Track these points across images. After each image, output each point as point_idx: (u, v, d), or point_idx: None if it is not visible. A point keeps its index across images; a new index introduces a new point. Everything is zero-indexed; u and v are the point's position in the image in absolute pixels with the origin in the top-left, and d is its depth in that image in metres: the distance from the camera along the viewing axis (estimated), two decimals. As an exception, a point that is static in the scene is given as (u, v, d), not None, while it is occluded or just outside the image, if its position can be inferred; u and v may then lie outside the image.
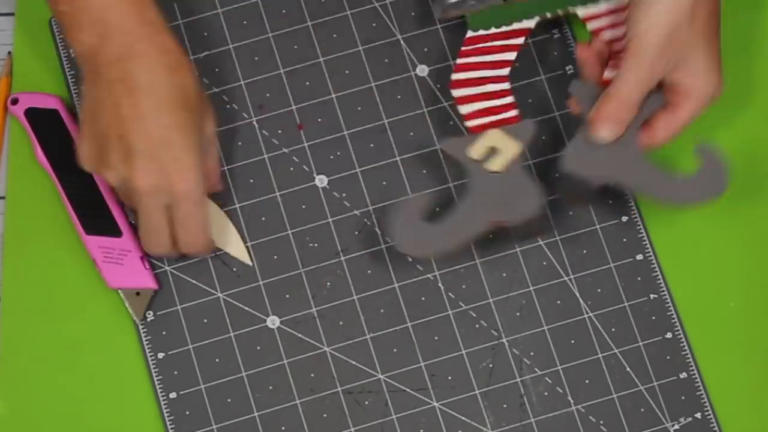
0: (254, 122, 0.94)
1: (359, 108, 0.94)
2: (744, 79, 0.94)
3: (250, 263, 0.91)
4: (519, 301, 0.91)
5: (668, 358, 0.90)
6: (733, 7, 0.94)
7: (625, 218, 0.93)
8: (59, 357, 0.90)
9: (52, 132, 0.92)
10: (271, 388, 0.90)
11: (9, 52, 0.95)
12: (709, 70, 0.85)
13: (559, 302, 0.91)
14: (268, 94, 0.94)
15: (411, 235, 0.87)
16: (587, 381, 0.90)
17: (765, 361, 0.91)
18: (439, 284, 0.92)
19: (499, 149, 0.88)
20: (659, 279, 0.91)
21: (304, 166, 0.94)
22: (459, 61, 0.91)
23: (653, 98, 0.86)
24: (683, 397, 0.90)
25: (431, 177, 0.93)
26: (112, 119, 0.83)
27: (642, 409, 0.90)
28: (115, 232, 0.91)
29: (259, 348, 0.91)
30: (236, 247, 0.92)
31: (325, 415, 0.90)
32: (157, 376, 0.90)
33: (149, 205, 0.85)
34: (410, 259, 0.92)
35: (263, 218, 0.92)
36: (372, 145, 0.94)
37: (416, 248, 0.88)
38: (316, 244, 0.92)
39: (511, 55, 0.91)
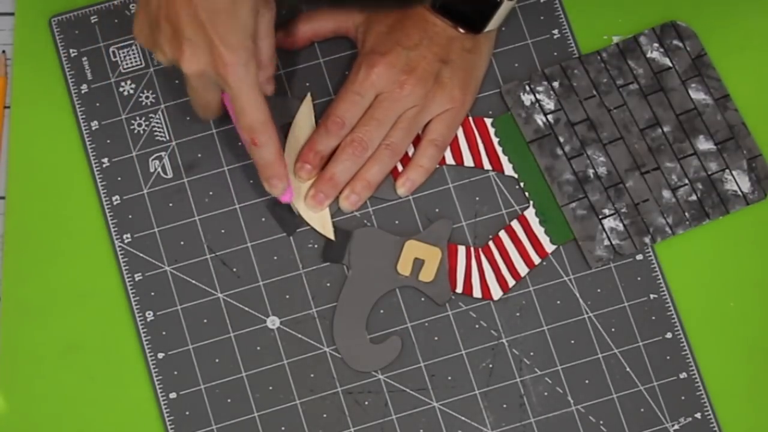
0: (254, 123, 0.94)
1: (359, 108, 0.94)
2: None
3: (333, 238, 0.91)
4: (519, 301, 0.91)
5: (668, 358, 0.90)
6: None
7: (624, 218, 0.93)
8: (59, 356, 0.90)
9: None
10: (270, 388, 0.90)
11: (3, 51, 0.94)
12: None
13: (559, 302, 0.91)
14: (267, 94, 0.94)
15: (358, 353, 0.90)
16: (587, 381, 0.90)
17: (765, 361, 0.91)
18: (439, 284, 0.92)
19: (422, 259, 0.90)
20: (659, 279, 0.91)
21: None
22: None
23: None
24: (683, 397, 0.90)
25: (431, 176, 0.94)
26: (161, 0, 0.82)
27: (642, 409, 0.90)
28: None
29: (258, 348, 0.90)
30: (319, 222, 0.91)
31: (325, 415, 0.90)
32: (156, 377, 0.90)
33: (198, 86, 0.86)
34: (410, 260, 0.92)
35: (263, 219, 0.92)
36: (372, 146, 0.94)
37: (365, 365, 0.90)
38: (316, 246, 0.92)
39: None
